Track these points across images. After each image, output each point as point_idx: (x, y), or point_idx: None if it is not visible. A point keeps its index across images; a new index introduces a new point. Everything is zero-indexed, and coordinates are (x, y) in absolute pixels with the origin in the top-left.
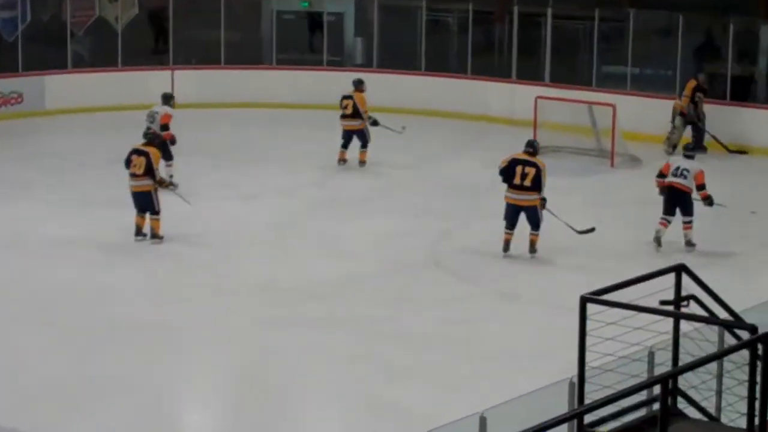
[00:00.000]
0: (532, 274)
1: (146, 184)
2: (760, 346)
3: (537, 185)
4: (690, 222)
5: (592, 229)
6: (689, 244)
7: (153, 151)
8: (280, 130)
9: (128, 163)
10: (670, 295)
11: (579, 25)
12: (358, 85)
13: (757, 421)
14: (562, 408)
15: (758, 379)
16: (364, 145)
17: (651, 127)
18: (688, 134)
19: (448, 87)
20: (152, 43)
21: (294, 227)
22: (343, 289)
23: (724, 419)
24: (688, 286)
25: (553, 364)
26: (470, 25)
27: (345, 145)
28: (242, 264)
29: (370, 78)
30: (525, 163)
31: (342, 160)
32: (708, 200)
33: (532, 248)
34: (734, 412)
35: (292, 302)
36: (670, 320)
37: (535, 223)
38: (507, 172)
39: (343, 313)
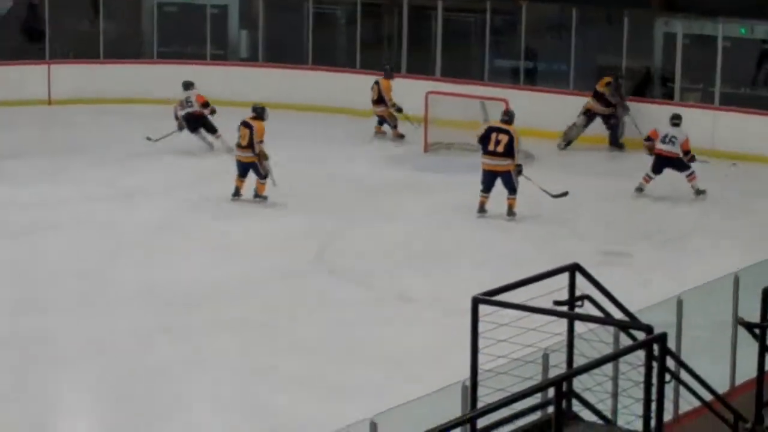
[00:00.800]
0: (425, 275)
1: (249, 155)
2: (655, 347)
3: (510, 152)
4: (691, 173)
5: (566, 193)
6: (699, 192)
7: (258, 125)
8: (163, 127)
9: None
10: (564, 295)
11: (470, 18)
12: (387, 72)
13: (653, 423)
14: (455, 412)
15: (654, 380)
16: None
17: (544, 122)
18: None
19: (336, 82)
20: (26, 36)
21: (177, 228)
22: (229, 293)
23: (619, 421)
24: (583, 286)
25: (446, 368)
26: (358, 17)
27: (380, 123)
28: (120, 268)
29: (255, 73)
30: (499, 130)
31: (378, 133)
32: (692, 160)
33: (510, 212)
34: (630, 415)
35: (175, 309)
36: (565, 321)
37: (510, 188)
38: (483, 139)
39: (229, 319)
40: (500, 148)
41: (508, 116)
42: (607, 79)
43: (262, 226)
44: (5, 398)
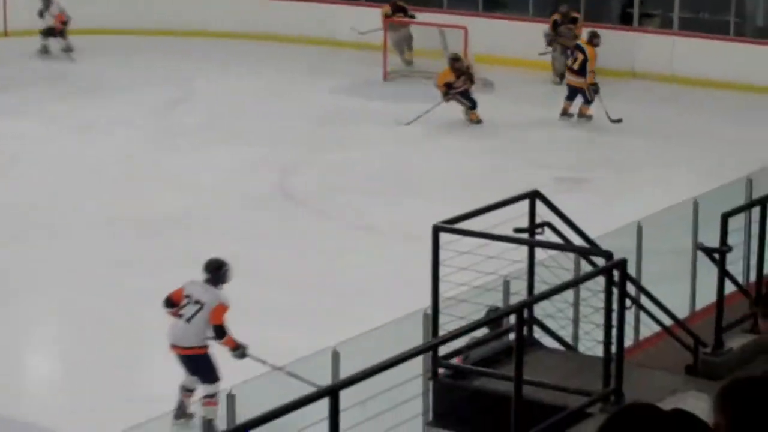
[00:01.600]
0: (385, 204)
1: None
2: (615, 273)
3: (583, 70)
4: None
5: (620, 120)
6: None
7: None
8: (123, 58)
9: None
10: (524, 223)
11: None
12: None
13: (613, 349)
14: (416, 340)
15: (614, 306)
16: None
17: (503, 50)
18: None
19: (292, 9)
20: None
21: (134, 159)
22: (188, 224)
23: (581, 348)
24: (543, 213)
25: (408, 296)
26: None
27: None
28: (77, 200)
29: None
30: (579, 48)
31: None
32: None
33: (581, 114)
34: (591, 341)
35: (133, 239)
36: (525, 248)
37: (585, 100)
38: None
39: (189, 250)
40: (575, 66)
41: (587, 36)
42: (554, 17)
43: (223, 157)
44: None
